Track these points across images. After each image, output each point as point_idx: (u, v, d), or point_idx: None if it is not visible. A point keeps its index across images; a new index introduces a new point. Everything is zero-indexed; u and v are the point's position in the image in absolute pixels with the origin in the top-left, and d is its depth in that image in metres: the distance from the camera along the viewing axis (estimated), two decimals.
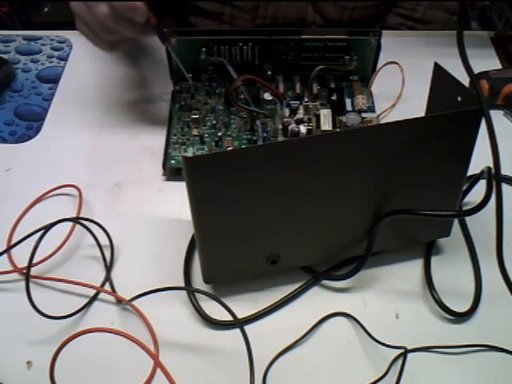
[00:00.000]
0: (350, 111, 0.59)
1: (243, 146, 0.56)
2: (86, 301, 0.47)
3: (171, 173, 0.56)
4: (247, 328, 0.44)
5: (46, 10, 1.16)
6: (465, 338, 0.45)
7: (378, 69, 0.59)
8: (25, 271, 0.44)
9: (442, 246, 0.50)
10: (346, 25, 0.74)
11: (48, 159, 0.58)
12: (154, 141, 0.58)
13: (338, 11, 0.74)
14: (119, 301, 0.47)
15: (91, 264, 0.49)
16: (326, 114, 0.58)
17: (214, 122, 0.58)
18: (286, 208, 0.42)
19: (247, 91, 0.57)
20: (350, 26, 0.62)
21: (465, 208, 0.51)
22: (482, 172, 0.43)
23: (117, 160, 0.57)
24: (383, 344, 0.44)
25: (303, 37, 0.58)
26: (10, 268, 0.49)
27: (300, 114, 0.58)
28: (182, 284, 0.48)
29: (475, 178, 0.51)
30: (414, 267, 0.49)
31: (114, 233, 0.50)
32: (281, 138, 0.56)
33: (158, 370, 0.43)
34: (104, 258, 0.49)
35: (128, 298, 0.45)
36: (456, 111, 0.40)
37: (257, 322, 0.46)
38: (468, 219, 0.52)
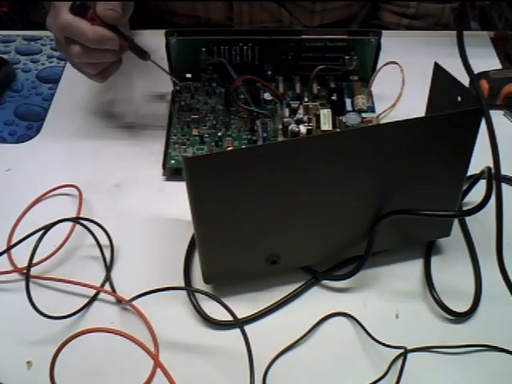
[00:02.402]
0: (350, 111, 0.59)
1: (243, 146, 0.56)
2: (86, 301, 0.47)
3: (171, 173, 0.55)
4: (247, 328, 0.44)
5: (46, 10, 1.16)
6: (465, 338, 0.45)
7: (378, 69, 0.59)
8: (25, 271, 0.44)
9: (442, 246, 0.50)
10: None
11: (48, 159, 0.58)
12: (153, 141, 0.58)
13: (308, 15, 0.72)
14: (119, 301, 0.47)
15: (91, 264, 0.49)
16: (326, 114, 0.58)
17: (214, 122, 0.58)
18: (285, 208, 0.42)
19: (247, 91, 0.57)
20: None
21: (465, 208, 0.51)
22: (482, 172, 0.43)
23: (117, 160, 0.57)
24: (383, 344, 0.44)
25: (303, 37, 0.58)
26: (10, 268, 0.49)
27: (300, 113, 0.57)
28: (182, 284, 0.48)
29: (475, 178, 0.50)
30: (414, 267, 0.49)
31: (114, 233, 0.50)
32: (281, 138, 0.56)
33: (158, 370, 0.43)
34: (104, 258, 0.49)
35: (128, 297, 0.45)
36: (456, 111, 0.40)
37: (257, 322, 0.46)
38: (468, 219, 0.52)
